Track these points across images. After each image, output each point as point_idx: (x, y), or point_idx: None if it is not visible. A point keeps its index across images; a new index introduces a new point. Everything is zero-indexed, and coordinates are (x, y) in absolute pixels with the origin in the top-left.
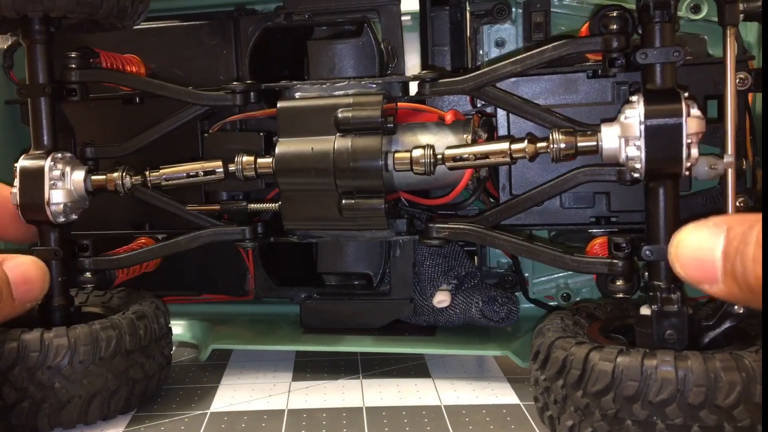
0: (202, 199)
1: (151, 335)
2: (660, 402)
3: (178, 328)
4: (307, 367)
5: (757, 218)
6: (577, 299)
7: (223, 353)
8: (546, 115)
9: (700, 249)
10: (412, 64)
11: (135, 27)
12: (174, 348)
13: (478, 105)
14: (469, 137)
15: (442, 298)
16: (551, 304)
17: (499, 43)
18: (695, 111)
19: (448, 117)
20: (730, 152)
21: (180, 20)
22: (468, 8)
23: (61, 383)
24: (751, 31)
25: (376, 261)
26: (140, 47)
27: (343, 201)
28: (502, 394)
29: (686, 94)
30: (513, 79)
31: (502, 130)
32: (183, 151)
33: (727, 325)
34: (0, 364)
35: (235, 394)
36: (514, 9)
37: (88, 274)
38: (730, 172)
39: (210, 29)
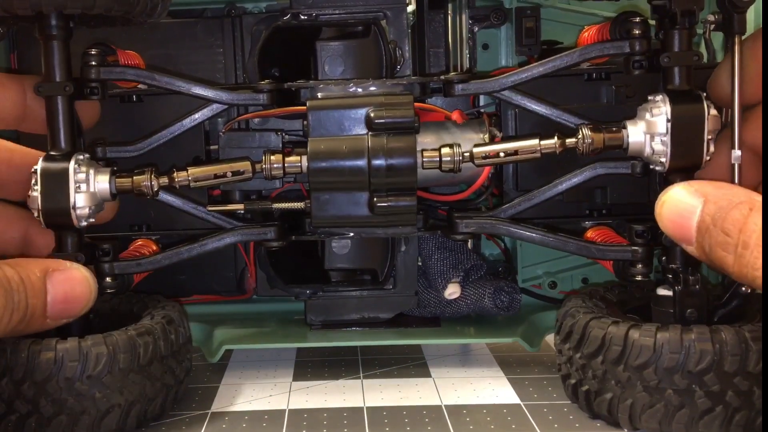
0: (206, 199)
1: (180, 340)
2: (700, 371)
3: None
4: (308, 368)
5: (730, 195)
6: (562, 288)
7: (223, 354)
8: (567, 115)
9: (680, 214)
10: None
11: None
12: None
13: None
14: (487, 136)
15: (453, 290)
16: (538, 292)
17: (486, 47)
18: (713, 111)
19: (455, 116)
20: (737, 149)
21: (172, 17)
22: (467, 12)
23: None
24: (716, 39)
25: (381, 256)
26: (134, 43)
27: (376, 199)
28: (503, 394)
29: (705, 95)
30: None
31: (505, 129)
32: (185, 150)
33: (735, 304)
34: (22, 375)
35: (235, 395)
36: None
37: (108, 279)
38: (737, 167)
39: (205, 27)
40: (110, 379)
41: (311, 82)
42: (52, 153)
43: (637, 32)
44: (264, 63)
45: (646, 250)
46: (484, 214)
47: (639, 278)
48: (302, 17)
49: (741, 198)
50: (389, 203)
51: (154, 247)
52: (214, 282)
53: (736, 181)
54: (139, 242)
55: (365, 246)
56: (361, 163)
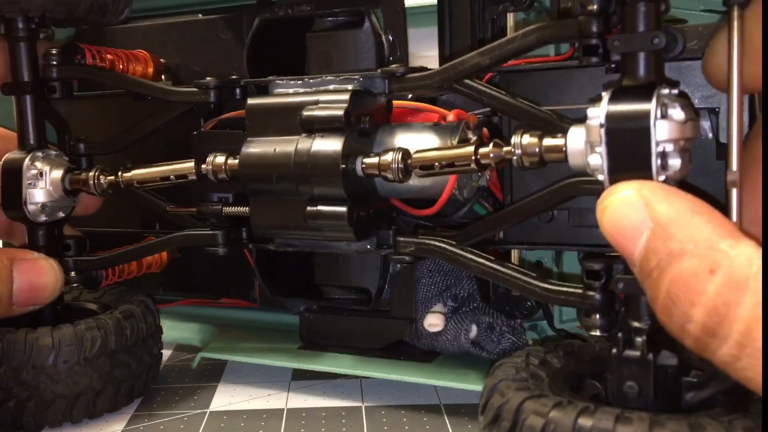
0: (191, 198)
1: (138, 334)
2: None
3: (187, 332)
4: None
5: (690, 233)
6: None
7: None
8: (533, 111)
9: (622, 234)
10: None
11: (155, 22)
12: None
13: None
14: (455, 140)
15: (433, 321)
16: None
17: None
18: (675, 111)
19: (450, 117)
20: (734, 167)
21: (197, 14)
22: None
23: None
24: None
25: (374, 275)
26: (157, 43)
27: (307, 208)
28: None
29: (668, 91)
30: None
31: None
32: (181, 146)
33: (714, 388)
34: None
35: (234, 393)
36: None
37: (72, 274)
38: (735, 192)
39: (225, 23)
40: (54, 370)
41: (272, 77)
42: (18, 149)
43: (593, 8)
44: (261, 58)
45: (605, 295)
46: (444, 233)
47: (596, 332)
48: (294, 9)
49: (699, 247)
50: (318, 213)
51: None
52: (232, 287)
53: (734, 210)
54: (152, 239)
55: (356, 263)
56: (288, 168)
